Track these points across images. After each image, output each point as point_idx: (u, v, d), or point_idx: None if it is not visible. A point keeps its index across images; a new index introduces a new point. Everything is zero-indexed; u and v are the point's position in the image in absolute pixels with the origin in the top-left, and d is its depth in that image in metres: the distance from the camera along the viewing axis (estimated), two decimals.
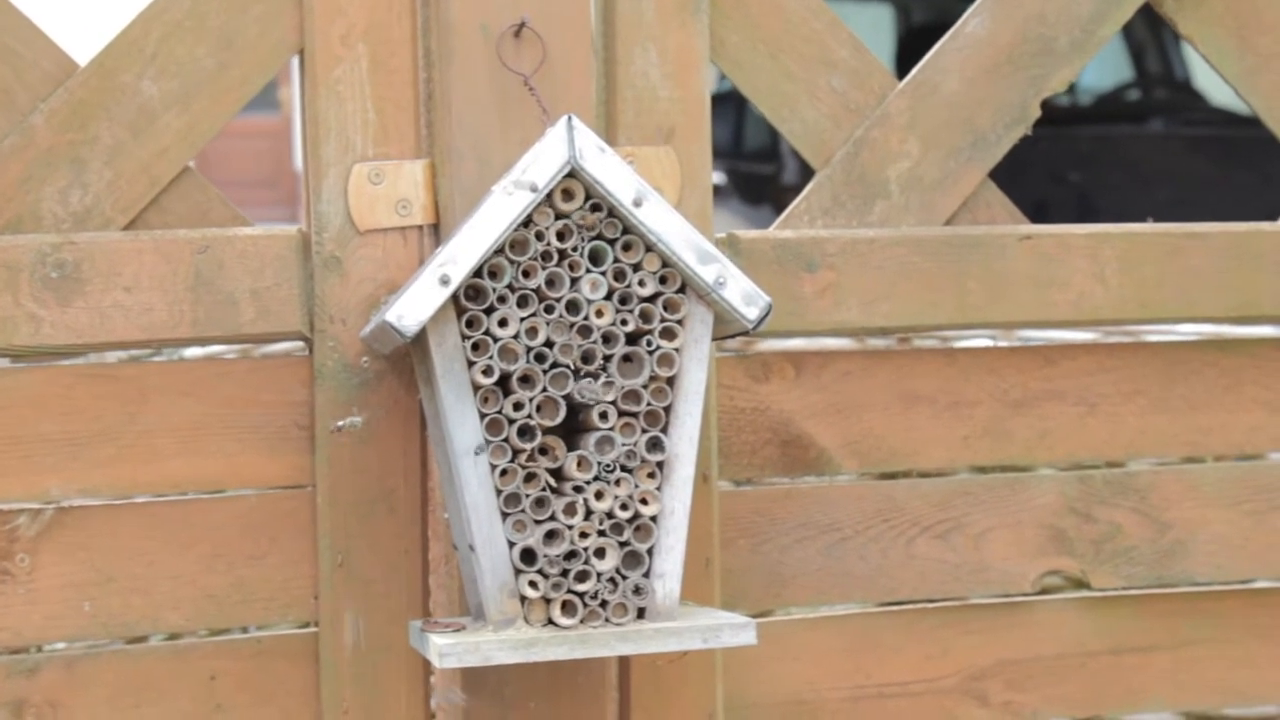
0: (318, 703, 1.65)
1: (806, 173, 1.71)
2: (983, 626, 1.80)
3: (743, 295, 1.49)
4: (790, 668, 1.76)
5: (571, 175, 1.47)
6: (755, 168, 7.36)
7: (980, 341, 1.85)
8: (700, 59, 1.70)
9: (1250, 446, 1.85)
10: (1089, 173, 6.64)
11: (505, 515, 1.47)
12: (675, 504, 1.49)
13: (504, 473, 1.47)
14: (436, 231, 1.66)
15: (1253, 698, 1.89)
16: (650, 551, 1.49)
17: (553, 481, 1.48)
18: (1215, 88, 7.15)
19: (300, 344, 1.67)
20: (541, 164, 1.46)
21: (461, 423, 1.46)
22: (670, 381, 1.49)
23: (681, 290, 1.49)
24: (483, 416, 1.47)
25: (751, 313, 1.49)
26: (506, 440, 1.47)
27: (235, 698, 1.64)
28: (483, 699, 1.65)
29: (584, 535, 1.47)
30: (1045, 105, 1.77)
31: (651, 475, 1.49)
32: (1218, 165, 6.66)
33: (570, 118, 1.47)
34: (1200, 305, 1.81)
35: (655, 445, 1.49)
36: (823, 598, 1.76)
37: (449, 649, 1.43)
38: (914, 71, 1.77)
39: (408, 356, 1.63)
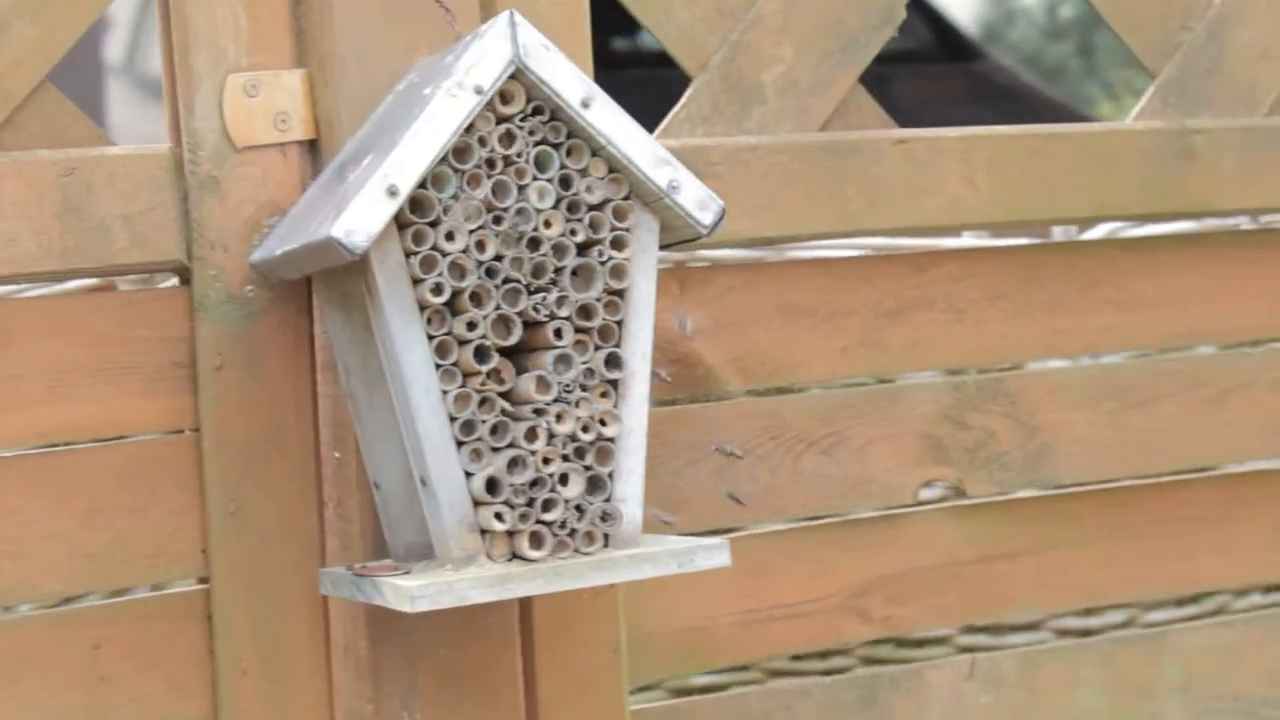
0: (211, 664, 1.51)
1: None
2: (864, 543, 1.76)
3: (696, 200, 1.41)
4: (685, 596, 1.69)
5: (513, 76, 1.37)
6: None
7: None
8: None
9: (1102, 346, 1.86)
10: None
11: (460, 444, 1.36)
12: (633, 423, 1.40)
13: (458, 398, 1.36)
14: (315, 147, 1.53)
15: (1109, 595, 1.90)
16: (610, 475, 1.40)
17: (508, 405, 1.38)
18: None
19: (172, 275, 1.52)
20: (485, 64, 1.35)
21: (410, 347, 1.35)
22: (620, 294, 1.40)
23: (628, 197, 1.40)
24: (430, 339, 1.36)
25: (706, 218, 1.41)
26: (456, 364, 1.36)
27: (120, 666, 1.49)
28: (390, 648, 1.54)
29: (547, 461, 1.38)
30: None
31: (605, 394, 1.40)
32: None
33: (512, 14, 1.36)
34: (1062, 207, 1.80)
35: (614, 362, 1.40)
36: (715, 520, 1.70)
37: (420, 591, 1.32)
38: None
39: (298, 283, 1.50)
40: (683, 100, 1.67)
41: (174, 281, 1.51)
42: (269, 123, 1.51)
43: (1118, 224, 1.87)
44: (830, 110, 1.72)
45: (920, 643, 1.91)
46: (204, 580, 1.52)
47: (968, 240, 1.85)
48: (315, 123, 1.52)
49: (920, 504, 1.78)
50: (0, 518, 1.45)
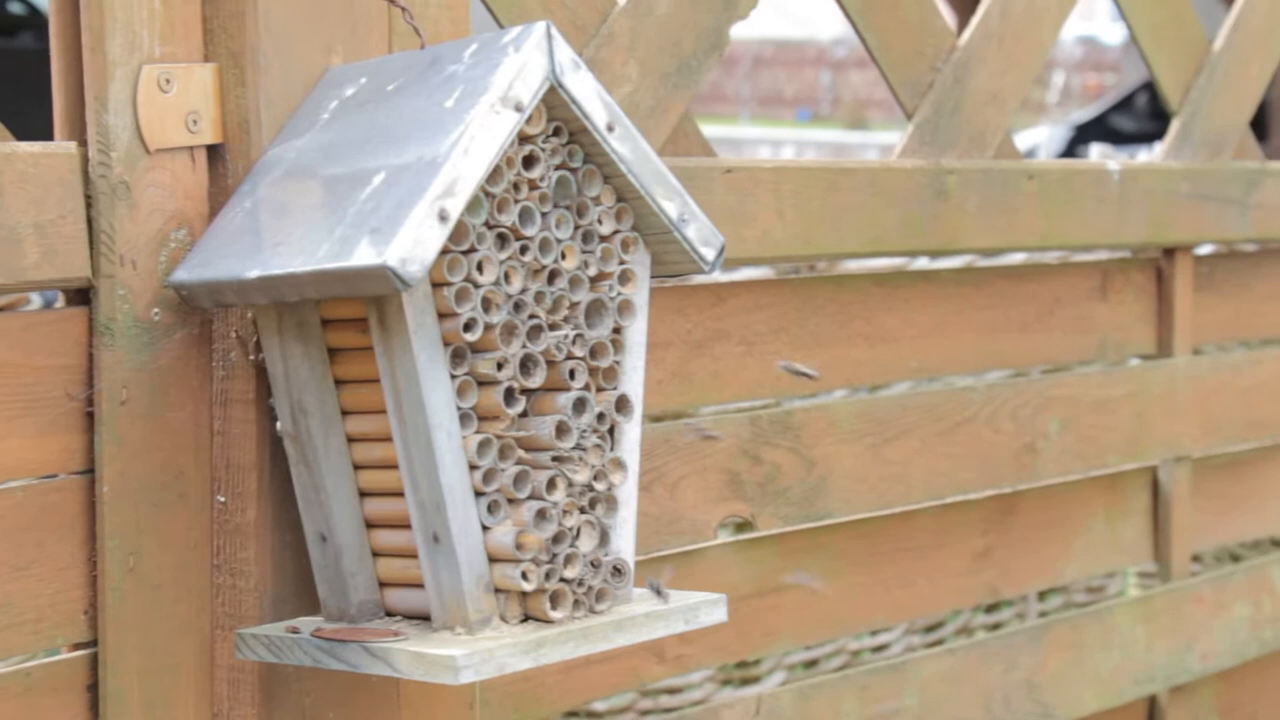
0: None
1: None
2: (663, 581, 1.71)
3: (701, 235, 1.33)
4: None
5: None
6: None
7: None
8: None
9: (857, 380, 1.87)
10: None
11: (479, 495, 1.23)
12: (631, 471, 1.31)
13: (480, 445, 1.23)
14: (218, 153, 1.35)
15: (851, 626, 1.92)
16: (612, 527, 1.30)
17: (524, 454, 1.26)
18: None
19: (58, 293, 1.31)
20: (526, 79, 1.23)
21: (434, 388, 1.21)
22: (620, 332, 1.31)
23: (634, 228, 1.31)
24: (452, 379, 1.22)
25: (709, 254, 1.33)
26: (474, 407, 1.24)
27: None
28: (283, 713, 1.38)
29: (567, 513, 1.27)
30: None
31: (602, 439, 1.30)
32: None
33: (549, 25, 1.25)
34: (847, 241, 1.80)
35: (623, 405, 1.30)
36: None
37: (466, 661, 1.18)
38: None
39: (203, 308, 1.32)
40: None
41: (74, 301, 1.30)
42: (181, 122, 1.32)
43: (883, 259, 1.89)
44: (666, 135, 1.66)
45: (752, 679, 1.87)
46: (82, 646, 1.32)
47: (756, 272, 1.82)
48: (223, 125, 1.35)
49: (718, 540, 1.74)
50: None
